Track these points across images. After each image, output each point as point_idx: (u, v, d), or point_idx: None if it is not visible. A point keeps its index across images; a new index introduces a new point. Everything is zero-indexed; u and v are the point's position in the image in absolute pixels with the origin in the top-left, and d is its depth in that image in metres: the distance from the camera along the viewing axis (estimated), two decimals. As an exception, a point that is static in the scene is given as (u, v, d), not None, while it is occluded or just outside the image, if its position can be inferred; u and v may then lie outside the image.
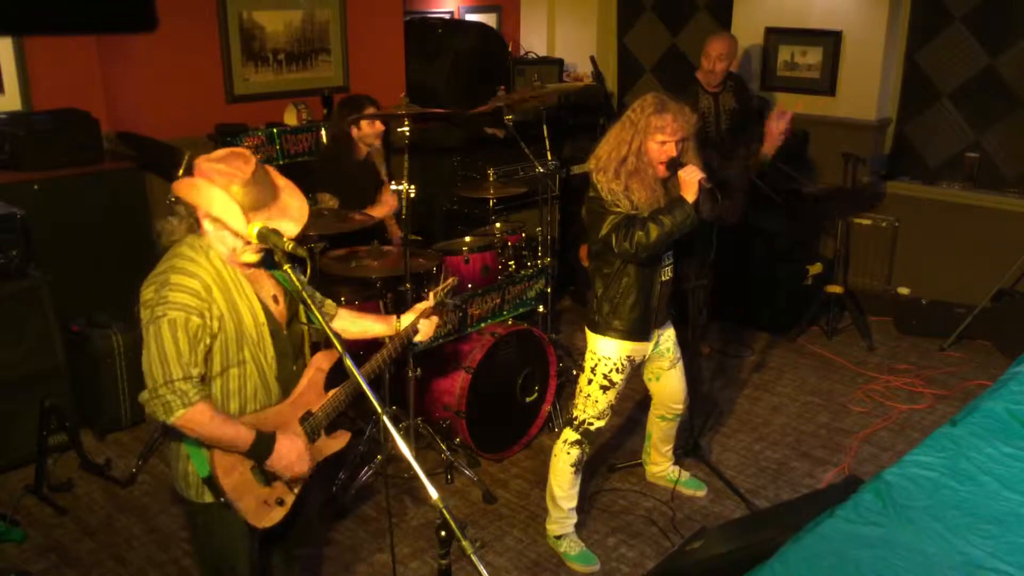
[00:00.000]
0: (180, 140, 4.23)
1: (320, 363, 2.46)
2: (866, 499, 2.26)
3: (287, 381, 2.39)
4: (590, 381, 3.28)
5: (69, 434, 3.85)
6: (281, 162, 4.70)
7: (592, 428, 3.31)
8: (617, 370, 3.26)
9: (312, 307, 2.16)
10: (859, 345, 5.30)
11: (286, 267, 2.08)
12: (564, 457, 3.34)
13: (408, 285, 3.64)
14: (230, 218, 2.12)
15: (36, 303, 3.86)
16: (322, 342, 2.63)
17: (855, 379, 4.88)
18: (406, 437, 3.74)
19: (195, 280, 2.16)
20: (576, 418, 3.33)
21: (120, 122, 4.63)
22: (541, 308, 4.37)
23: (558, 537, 3.41)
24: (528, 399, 4.10)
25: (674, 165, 3.05)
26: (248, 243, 2.20)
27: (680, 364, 3.53)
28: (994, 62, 5.35)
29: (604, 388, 3.26)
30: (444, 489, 3.78)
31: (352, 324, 2.68)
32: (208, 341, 2.18)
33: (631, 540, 3.51)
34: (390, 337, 2.66)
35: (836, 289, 5.39)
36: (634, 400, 4.38)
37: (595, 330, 3.27)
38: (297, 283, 2.13)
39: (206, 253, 2.21)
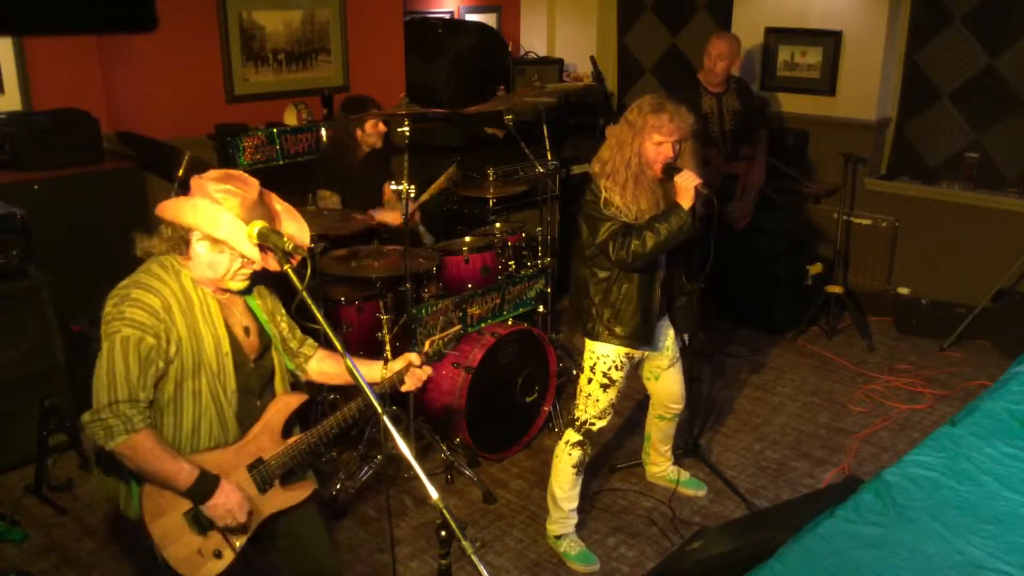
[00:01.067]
0: (180, 140, 4.23)
1: (280, 406, 2.31)
2: (866, 499, 2.26)
3: (247, 418, 2.26)
4: (590, 380, 3.27)
5: (69, 434, 3.85)
6: (281, 162, 4.70)
7: (594, 428, 3.30)
8: (616, 367, 3.24)
9: (312, 306, 2.09)
10: (859, 345, 5.30)
11: (286, 267, 2.05)
12: (566, 458, 3.33)
13: (408, 285, 3.64)
14: (235, 239, 2.08)
15: (36, 303, 3.86)
16: (308, 379, 2.51)
17: (855, 379, 4.88)
18: (406, 437, 3.74)
19: (156, 298, 2.08)
20: (577, 418, 3.32)
21: (120, 122, 4.63)
22: (541, 308, 4.37)
23: (558, 537, 3.41)
24: (528, 399, 4.10)
25: (670, 169, 3.02)
26: (245, 265, 2.14)
27: (679, 363, 3.52)
28: (994, 62, 5.35)
29: (604, 387, 3.25)
30: (444, 489, 3.78)
31: (332, 367, 2.52)
32: (161, 365, 2.08)
33: (631, 540, 3.51)
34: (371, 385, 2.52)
35: (836, 289, 5.39)
36: (635, 400, 4.38)
37: (595, 337, 3.23)
38: (298, 284, 2.05)
39: (176, 273, 2.15)
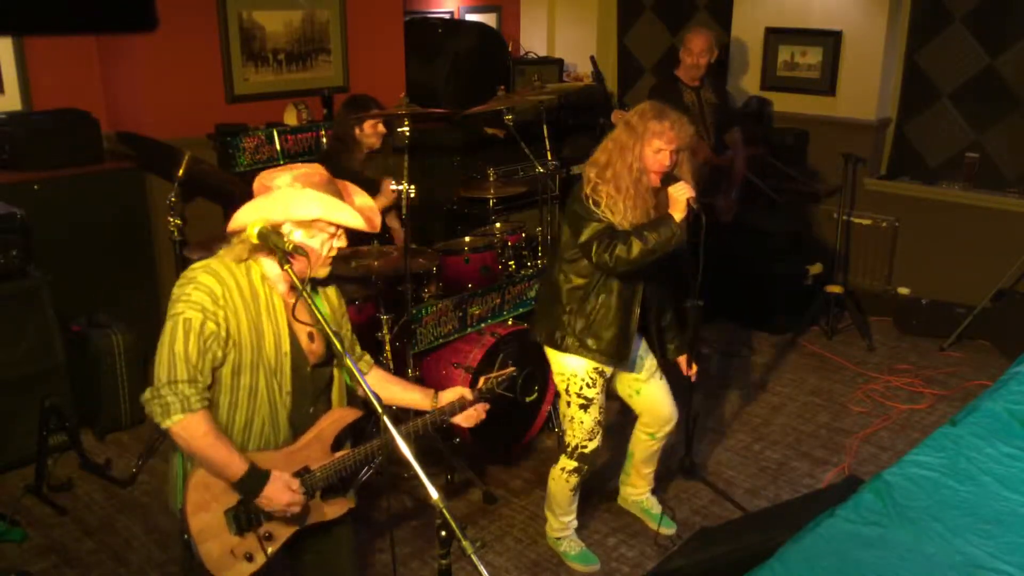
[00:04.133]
0: (180, 140, 4.23)
1: (335, 418, 2.29)
2: (866, 499, 2.26)
3: (300, 423, 2.25)
4: (568, 404, 3.18)
5: (69, 434, 3.85)
6: (281, 162, 4.70)
7: (587, 451, 3.21)
8: (588, 384, 3.13)
9: (312, 305, 2.09)
10: (859, 345, 5.30)
11: (286, 267, 2.05)
12: (563, 484, 3.28)
13: (408, 285, 3.64)
14: (329, 210, 2.10)
15: (36, 303, 3.86)
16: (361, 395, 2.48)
17: (855, 379, 4.88)
18: (406, 437, 3.73)
19: (219, 285, 2.08)
20: (568, 444, 3.23)
21: (120, 122, 4.63)
22: (541, 308, 4.37)
23: (558, 538, 3.40)
24: (528, 399, 4.09)
25: (667, 177, 2.96)
26: (334, 236, 2.15)
27: (661, 377, 3.34)
28: (994, 62, 5.35)
29: (583, 407, 3.15)
30: (444, 489, 3.78)
31: (380, 390, 2.41)
32: (219, 354, 2.08)
33: (631, 540, 3.51)
34: (420, 413, 2.43)
35: (836, 289, 5.39)
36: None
37: (563, 349, 3.09)
38: (298, 283, 2.05)
39: (247, 267, 2.14)
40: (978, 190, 5.46)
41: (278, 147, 4.69)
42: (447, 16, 6.86)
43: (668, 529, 3.54)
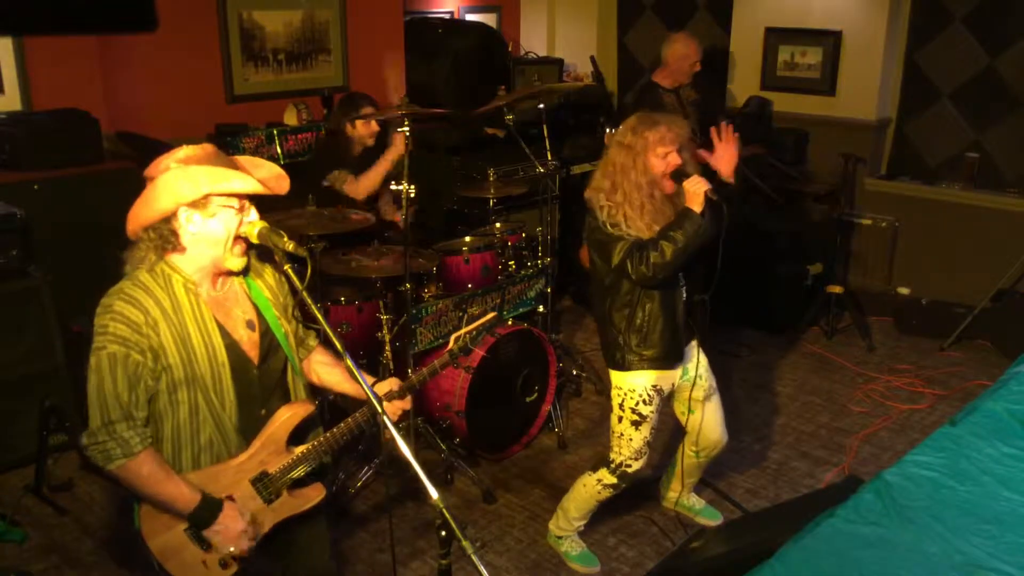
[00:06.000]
0: (180, 140, 4.19)
1: (284, 418, 2.17)
2: (866, 499, 2.26)
3: (250, 431, 2.14)
4: (620, 419, 3.15)
5: (69, 434, 3.85)
6: (282, 162, 4.70)
7: (630, 471, 3.17)
8: (644, 402, 3.11)
9: (312, 305, 2.05)
10: (859, 345, 5.30)
11: (287, 267, 2.03)
12: (594, 493, 3.24)
13: (408, 285, 3.64)
14: (225, 184, 1.95)
15: (36, 303, 3.86)
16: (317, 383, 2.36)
17: (855, 379, 4.88)
18: (406, 437, 3.73)
19: (138, 312, 1.97)
20: (612, 460, 3.19)
21: (120, 122, 4.63)
22: (541, 308, 4.37)
23: (559, 537, 3.40)
24: (528, 399, 4.10)
25: (680, 175, 2.92)
26: (240, 209, 2.02)
27: (717, 399, 3.31)
28: (994, 62, 5.35)
29: (635, 424, 3.12)
30: (444, 489, 3.78)
31: (328, 375, 2.38)
32: (151, 383, 1.99)
33: (631, 540, 3.51)
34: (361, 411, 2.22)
35: (836, 289, 5.39)
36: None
37: (624, 368, 3.09)
38: (298, 283, 2.00)
39: (167, 279, 2.03)
40: (978, 190, 5.47)
41: (278, 147, 4.70)
42: (447, 16, 6.86)
43: (713, 520, 3.58)
